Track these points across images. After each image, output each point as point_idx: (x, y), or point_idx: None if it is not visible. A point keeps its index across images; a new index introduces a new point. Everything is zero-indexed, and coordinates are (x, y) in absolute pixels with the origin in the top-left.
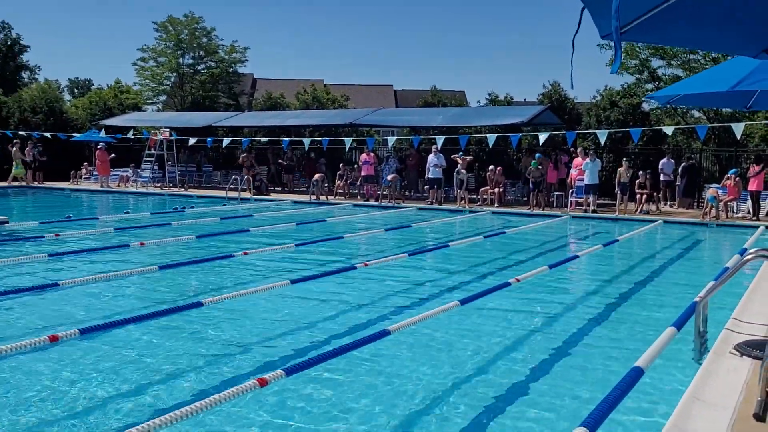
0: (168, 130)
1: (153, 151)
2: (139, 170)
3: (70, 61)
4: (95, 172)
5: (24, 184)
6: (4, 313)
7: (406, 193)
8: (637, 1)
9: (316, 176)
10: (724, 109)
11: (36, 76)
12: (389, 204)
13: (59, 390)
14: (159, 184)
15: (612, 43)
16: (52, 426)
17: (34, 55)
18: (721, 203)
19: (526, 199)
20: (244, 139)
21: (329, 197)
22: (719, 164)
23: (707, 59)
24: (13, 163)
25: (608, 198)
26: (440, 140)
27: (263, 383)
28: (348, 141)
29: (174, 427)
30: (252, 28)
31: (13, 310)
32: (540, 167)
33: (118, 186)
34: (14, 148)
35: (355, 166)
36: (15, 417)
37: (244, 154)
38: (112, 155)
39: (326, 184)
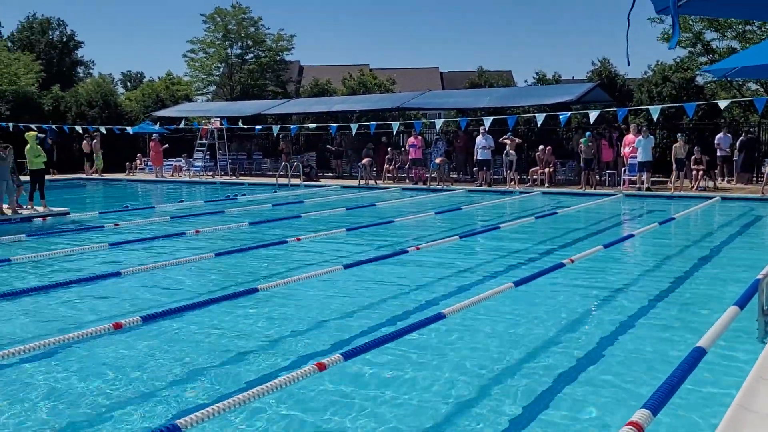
0: (219, 119)
1: (204, 141)
2: (191, 160)
3: (122, 55)
4: (149, 163)
5: (85, 175)
6: (70, 301)
7: (455, 176)
8: None
9: (364, 161)
10: None
11: (90, 70)
12: (438, 187)
13: (125, 375)
14: (211, 173)
15: (668, 17)
16: (117, 410)
17: (88, 51)
18: None
19: (577, 178)
20: (292, 126)
21: (377, 181)
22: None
23: (763, 30)
24: (94, 156)
25: (662, 175)
26: (488, 121)
27: (322, 367)
28: (395, 125)
29: (237, 411)
30: (297, 14)
31: (78, 298)
32: (590, 144)
33: (172, 176)
34: (94, 141)
35: (403, 150)
36: (88, 401)
37: (283, 142)
38: (166, 146)
39: (374, 169)
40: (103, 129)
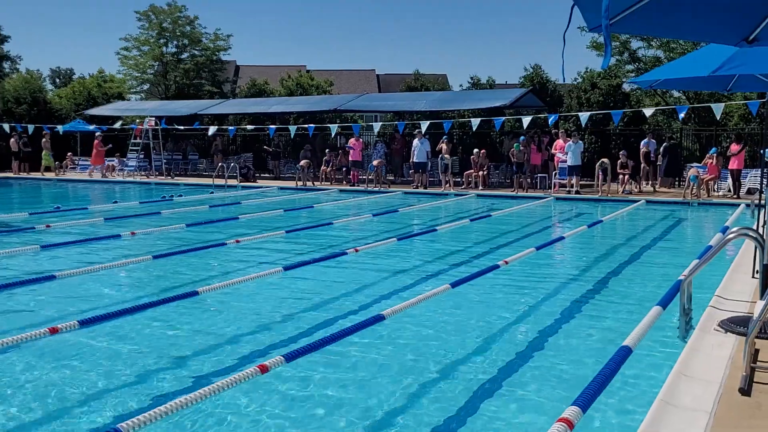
0: (154, 119)
1: (139, 140)
2: (124, 159)
3: (51, 50)
4: (79, 162)
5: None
6: (2, 306)
7: (392, 178)
8: None
9: (302, 162)
10: None
11: (17, 66)
12: (375, 189)
13: (60, 382)
14: (145, 173)
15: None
16: (53, 418)
17: (15, 45)
18: (703, 182)
19: (509, 181)
20: (230, 128)
21: (315, 183)
22: (699, 143)
23: (686, 41)
24: (43, 153)
25: (590, 179)
26: (424, 125)
27: (264, 369)
28: (333, 127)
29: (178, 415)
30: (233, 13)
31: (11, 303)
32: (522, 149)
33: (104, 176)
34: (44, 140)
35: (341, 151)
36: (15, 410)
37: (217, 140)
38: (109, 145)
39: (312, 170)
40: (31, 127)
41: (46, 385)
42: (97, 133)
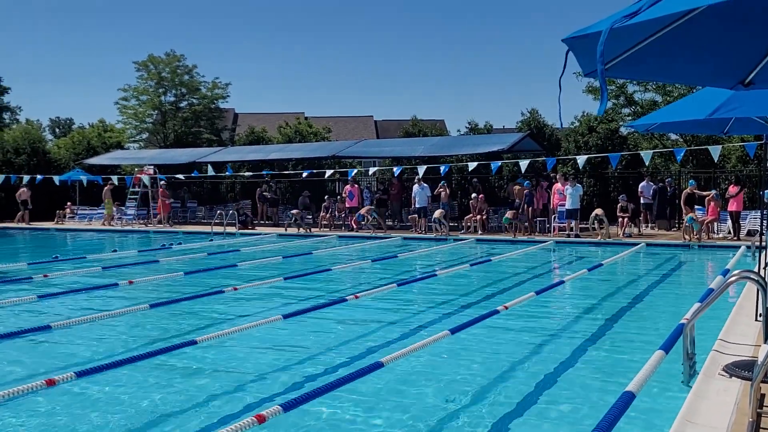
0: (152, 167)
1: (137, 189)
2: (123, 208)
3: (50, 100)
4: (78, 211)
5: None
6: None
7: (390, 223)
8: (617, 42)
9: (294, 211)
10: None
11: (17, 116)
12: (374, 234)
13: None
14: (143, 221)
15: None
16: None
17: (15, 96)
18: (703, 224)
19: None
20: (228, 172)
21: (313, 229)
22: (698, 186)
23: (682, 85)
24: (104, 202)
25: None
26: (422, 170)
27: (261, 419)
28: (330, 173)
29: None
30: (232, 62)
31: (5, 354)
32: (524, 188)
33: (103, 224)
34: (106, 188)
35: (339, 197)
36: None
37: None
38: (171, 201)
39: (310, 216)
40: (26, 177)
41: None
42: (161, 182)
